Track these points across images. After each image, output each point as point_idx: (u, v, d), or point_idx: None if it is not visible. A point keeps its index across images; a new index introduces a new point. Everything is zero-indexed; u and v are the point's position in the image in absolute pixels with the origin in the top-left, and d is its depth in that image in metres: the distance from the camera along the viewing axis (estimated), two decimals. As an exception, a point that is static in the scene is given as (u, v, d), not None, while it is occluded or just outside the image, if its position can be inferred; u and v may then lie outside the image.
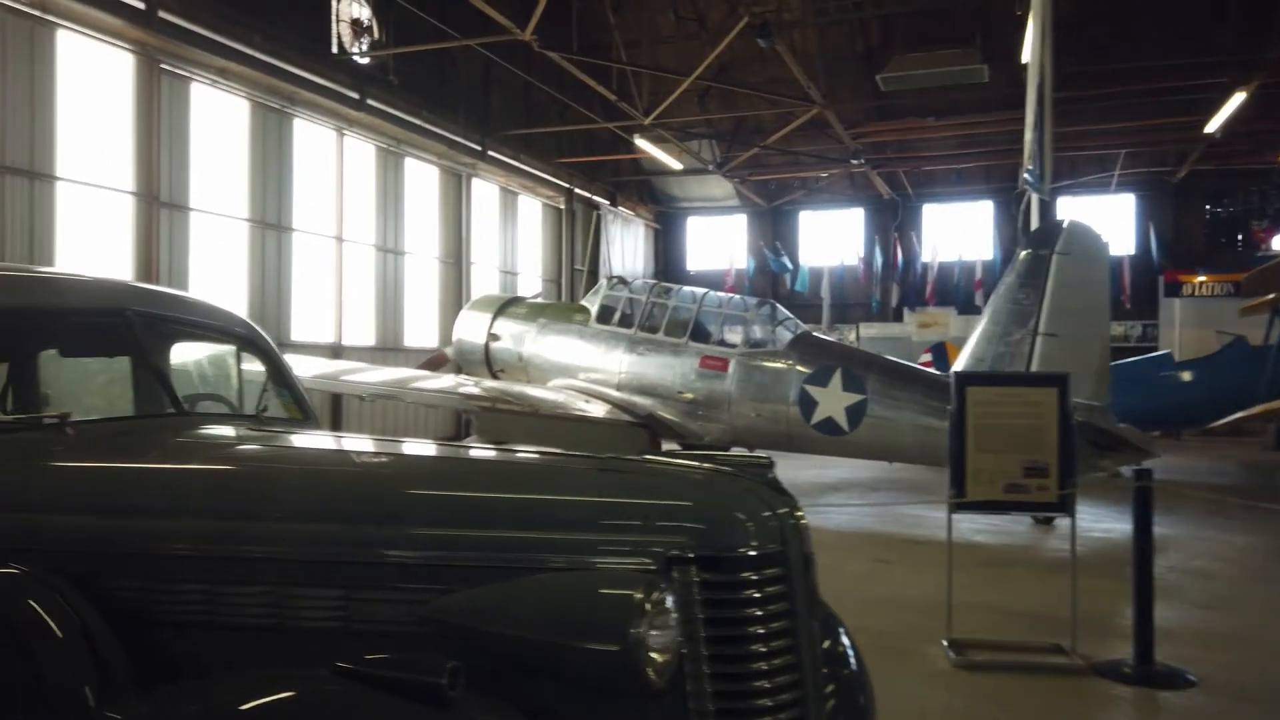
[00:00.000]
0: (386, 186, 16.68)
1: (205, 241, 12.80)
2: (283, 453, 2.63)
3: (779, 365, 11.16)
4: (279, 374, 3.36)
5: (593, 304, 12.93)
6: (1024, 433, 4.99)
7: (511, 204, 20.97)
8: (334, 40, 14.71)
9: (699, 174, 24.40)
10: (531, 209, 21.92)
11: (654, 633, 1.80)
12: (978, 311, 24.37)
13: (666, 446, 11.70)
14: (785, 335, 11.39)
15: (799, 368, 10.98)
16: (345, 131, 15.40)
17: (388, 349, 16.50)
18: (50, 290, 2.86)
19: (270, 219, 13.96)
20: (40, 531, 2.19)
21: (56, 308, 2.81)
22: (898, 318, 25.00)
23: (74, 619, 1.99)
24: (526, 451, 2.45)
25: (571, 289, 22.62)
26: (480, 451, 2.58)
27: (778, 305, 11.97)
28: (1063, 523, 8.59)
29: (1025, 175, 7.98)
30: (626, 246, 25.63)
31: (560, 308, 14.11)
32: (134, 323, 2.85)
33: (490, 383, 12.63)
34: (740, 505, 2.07)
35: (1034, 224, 16.12)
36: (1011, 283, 10.03)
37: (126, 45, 11.51)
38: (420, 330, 17.69)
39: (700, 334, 11.93)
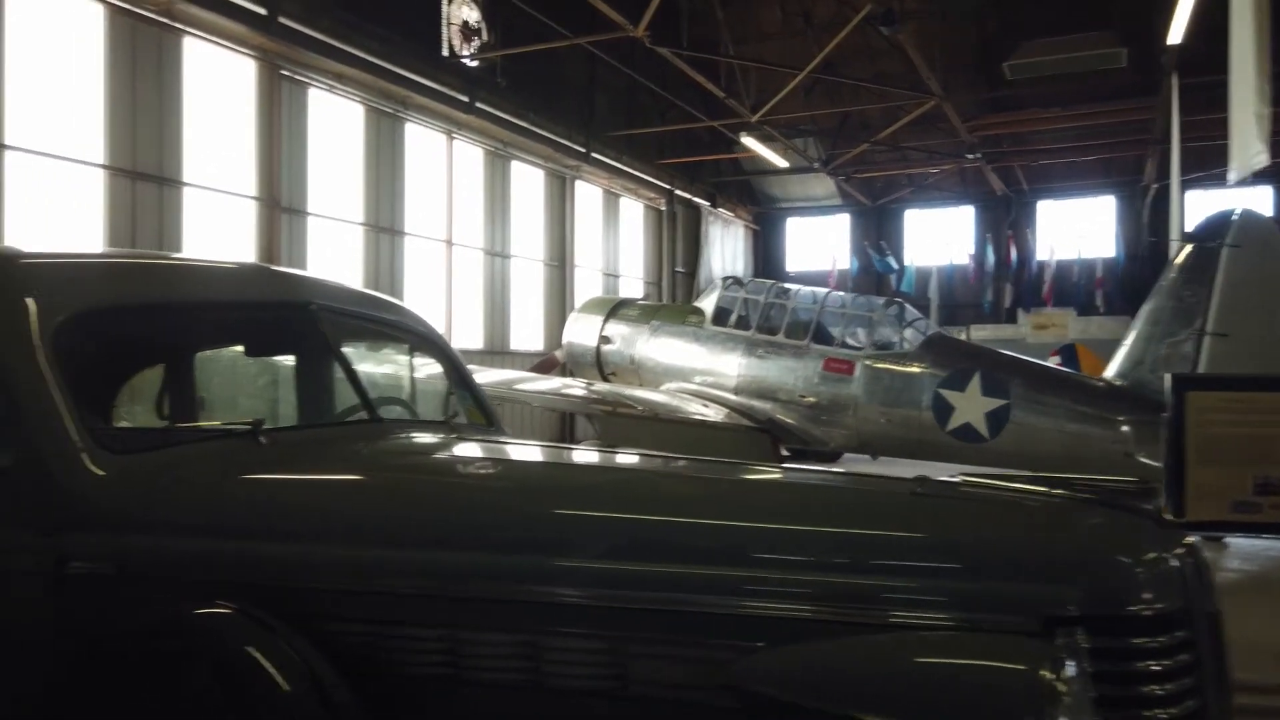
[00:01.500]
0: (494, 190, 16.64)
1: (323, 245, 12.88)
2: (522, 470, 2.28)
3: (910, 368, 10.58)
4: (461, 377, 3.06)
5: (707, 305, 12.58)
6: (1258, 443, 4.39)
7: (614, 206, 20.77)
8: (445, 43, 14.70)
9: (801, 173, 23.79)
10: (633, 211, 21.69)
11: None
12: (1099, 312, 23.24)
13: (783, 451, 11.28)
14: (916, 336, 10.81)
15: (932, 371, 10.37)
16: (455, 135, 15.39)
17: (495, 352, 16.44)
18: (233, 282, 2.60)
19: (384, 223, 14.01)
20: (248, 561, 1.89)
21: (239, 301, 2.54)
22: (1011, 319, 23.89)
23: (301, 668, 1.67)
24: (799, 470, 2.07)
25: (673, 292, 22.30)
26: (751, 471, 2.20)
27: (906, 305, 11.40)
28: (1241, 543, 7.81)
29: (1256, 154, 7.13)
30: (726, 248, 25.20)
31: (673, 309, 13.79)
32: (320, 318, 2.58)
33: (601, 385, 12.39)
34: (1128, 547, 1.60)
35: (1173, 218, 15.11)
36: (1173, 279, 9.24)
37: (249, 51, 11.63)
38: (526, 333, 17.60)
39: (823, 336, 11.44)
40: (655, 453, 2.40)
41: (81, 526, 1.89)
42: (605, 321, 13.31)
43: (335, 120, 13.20)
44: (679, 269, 22.85)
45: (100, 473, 1.93)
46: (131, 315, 2.27)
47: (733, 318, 12.17)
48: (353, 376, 2.58)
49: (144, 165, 10.45)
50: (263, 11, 11.41)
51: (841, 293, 12.32)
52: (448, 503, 1.96)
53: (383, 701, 1.72)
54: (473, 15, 15.21)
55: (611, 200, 20.65)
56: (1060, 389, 9.76)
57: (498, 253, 16.70)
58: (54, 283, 2.18)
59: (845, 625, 1.55)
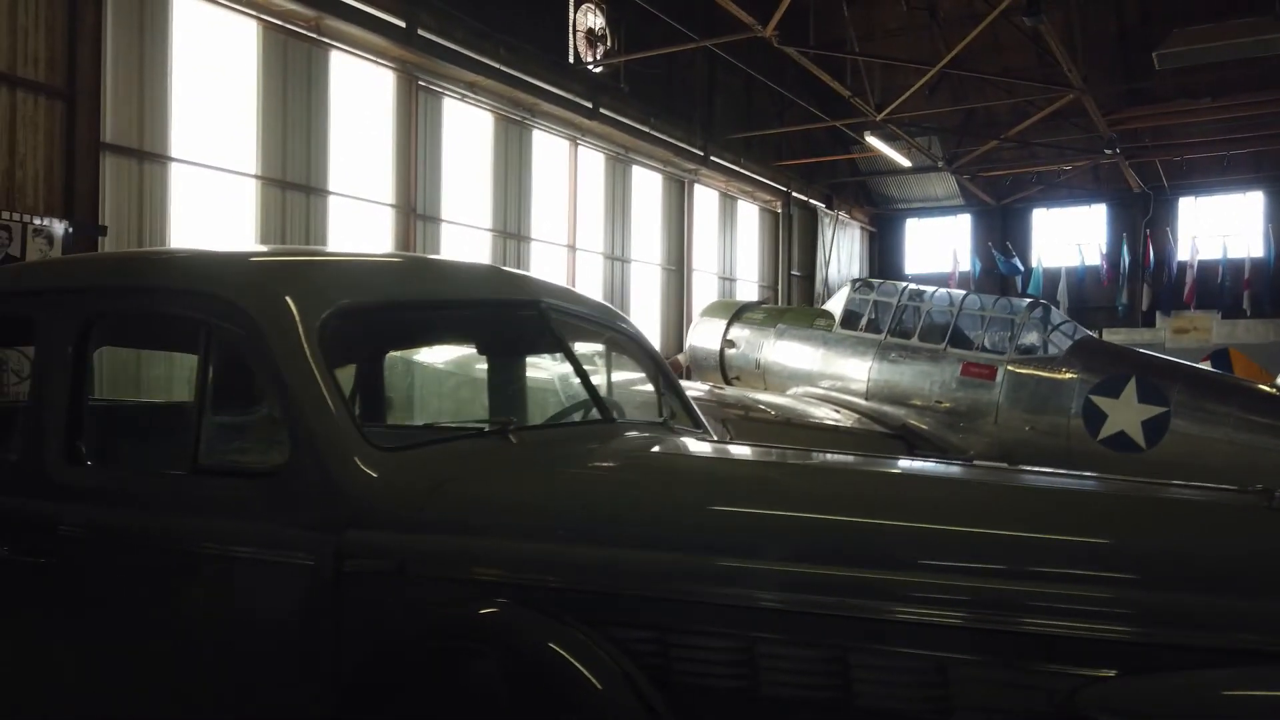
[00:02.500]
0: (614, 195, 16.76)
1: (455, 252, 13.20)
2: (795, 472, 2.21)
3: (1058, 374, 10.12)
4: (667, 378, 3.03)
5: (835, 308, 12.35)
6: None
7: (730, 209, 20.65)
8: (571, 50, 14.88)
9: (922, 172, 23.20)
10: (749, 214, 21.53)
11: None
12: (1246, 315, 21.83)
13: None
14: (1063, 340, 10.34)
15: (1083, 376, 9.90)
16: (579, 141, 15.57)
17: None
18: (472, 280, 2.62)
19: (511, 229, 14.27)
20: (530, 562, 1.82)
21: (479, 299, 2.56)
22: (1148, 322, 22.71)
23: (614, 668, 1.63)
24: (1095, 478, 1.94)
25: (788, 295, 22.02)
26: (1032, 475, 2.09)
27: (1052, 308, 10.93)
28: None
29: None
30: (842, 251, 24.75)
31: (800, 313, 13.60)
32: (549, 317, 2.59)
33: (728, 389, 12.29)
34: None
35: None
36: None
37: (388, 63, 12.01)
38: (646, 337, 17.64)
39: (960, 339, 11.08)
40: (901, 457, 2.32)
41: (360, 524, 1.90)
42: (729, 325, 13.22)
43: (467, 129, 13.51)
44: (795, 272, 22.56)
45: (374, 469, 1.95)
46: (385, 312, 2.31)
47: (863, 321, 11.91)
48: (583, 375, 2.57)
49: (293, 175, 10.91)
50: (402, 24, 11.76)
51: (982, 295, 11.88)
52: (730, 506, 1.89)
53: (678, 711, 1.66)
54: (598, 22, 15.37)
55: (728, 203, 20.54)
56: (1227, 396, 9.17)
57: (618, 257, 16.80)
58: (310, 281, 2.24)
59: (1210, 653, 1.41)
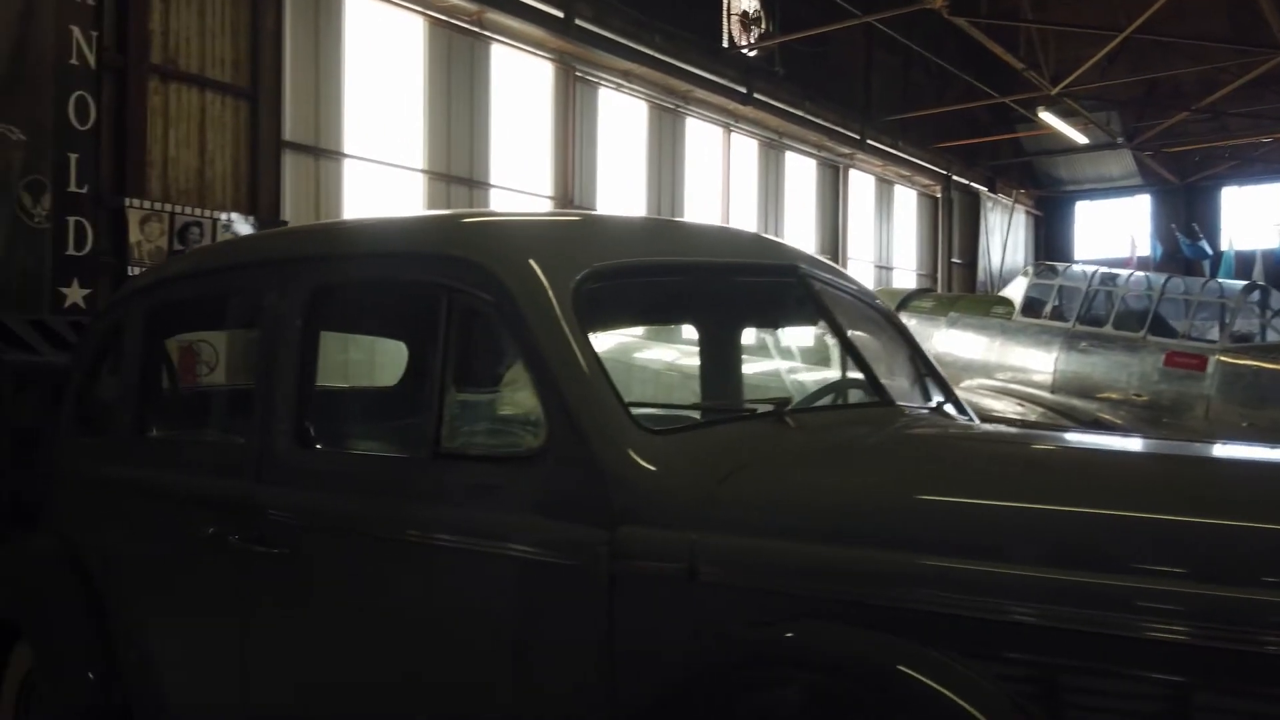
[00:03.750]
0: (767, 182, 16.31)
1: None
2: (1154, 462, 1.81)
3: (1282, 364, 9.06)
4: (921, 355, 2.64)
5: (1015, 294, 11.54)
6: None
7: (887, 194, 19.82)
8: (725, 34, 14.53)
9: (1097, 150, 21.61)
10: (906, 199, 20.61)
11: None
12: None
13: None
14: (1288, 326, 9.26)
15: (1314, 367, 8.82)
16: (732, 128, 15.21)
17: (770, 348, 16.09)
18: (731, 243, 2.30)
19: (665, 218, 14.06)
20: (854, 573, 1.46)
21: (739, 263, 2.24)
22: (1362, 310, 20.37)
23: (1000, 702, 1.30)
24: None
25: (948, 284, 20.96)
26: None
27: (1272, 290, 9.81)
28: None
29: None
30: (1006, 236, 23.40)
31: (975, 300, 12.82)
32: (810, 285, 2.26)
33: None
34: None
35: None
36: None
37: (547, 55, 11.99)
38: (799, 328, 17.12)
39: (1162, 327, 10.10)
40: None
41: (636, 518, 1.62)
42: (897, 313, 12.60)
43: (622, 119, 13.38)
44: (956, 260, 21.45)
45: (648, 455, 1.67)
46: (641, 275, 2.04)
47: (1047, 308, 11.07)
48: (854, 352, 2.23)
49: (457, 169, 11.02)
50: (560, 15, 11.71)
51: (1187, 278, 10.82)
52: (1112, 509, 1.49)
53: None
54: (752, 4, 14.94)
55: (884, 188, 19.71)
56: None
57: (772, 246, 16.34)
58: (563, 242, 1.99)
59: None
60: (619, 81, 13.04)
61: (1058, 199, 25.04)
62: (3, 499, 5.67)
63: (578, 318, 1.77)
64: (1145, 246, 23.23)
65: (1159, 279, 10.57)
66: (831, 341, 2.36)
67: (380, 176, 10.29)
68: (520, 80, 11.88)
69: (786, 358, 2.49)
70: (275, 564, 2.07)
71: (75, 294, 7.56)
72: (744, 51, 14.80)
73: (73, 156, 7.55)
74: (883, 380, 2.27)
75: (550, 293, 1.80)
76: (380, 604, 1.96)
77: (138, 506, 2.53)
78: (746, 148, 15.84)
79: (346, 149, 9.87)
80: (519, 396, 1.84)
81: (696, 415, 2.27)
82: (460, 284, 1.87)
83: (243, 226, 8.76)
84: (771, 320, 2.48)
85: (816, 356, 2.58)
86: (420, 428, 1.90)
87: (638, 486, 1.64)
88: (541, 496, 1.72)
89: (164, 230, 8.18)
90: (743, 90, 14.77)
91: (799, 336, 2.89)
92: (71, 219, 7.56)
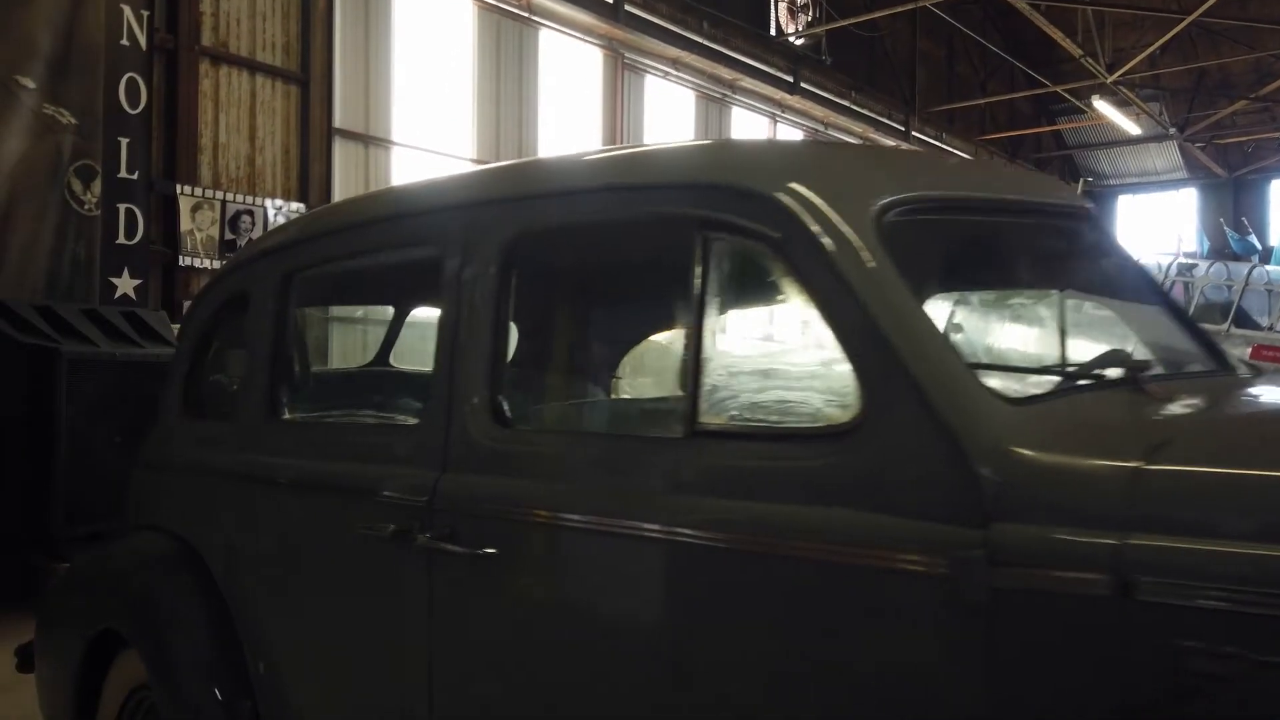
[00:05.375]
0: (812, 174, 15.91)
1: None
2: None
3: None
4: (1185, 317, 2.22)
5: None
6: None
7: (929, 188, 19.37)
8: (772, 22, 14.15)
9: (1142, 143, 21.09)
10: (948, 193, 20.14)
11: None
12: None
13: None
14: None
15: None
16: (778, 118, 14.83)
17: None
18: (1013, 178, 1.86)
19: (712, 210, 13.68)
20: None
21: (1034, 202, 1.83)
22: None
23: None
24: None
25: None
26: None
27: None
28: None
29: None
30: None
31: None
32: (1107, 233, 1.86)
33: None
34: None
35: None
36: None
37: (596, 41, 11.64)
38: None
39: (1245, 319, 9.66)
40: None
41: (1014, 514, 1.21)
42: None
43: (668, 108, 13.01)
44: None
45: (1015, 430, 1.29)
46: (952, 211, 1.64)
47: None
48: (1180, 314, 1.83)
49: (505, 158, 10.66)
50: (609, 0, 11.37)
51: (1266, 267, 10.36)
52: None
53: None
54: (799, -10, 14.55)
55: (927, 182, 19.27)
56: None
57: (817, 240, 15.94)
58: (855, 168, 1.58)
59: None
60: (666, 70, 12.67)
61: (1100, 193, 24.47)
62: (69, 496, 5.36)
63: (890, 257, 1.39)
64: (1192, 241, 22.66)
65: (1240, 269, 10.12)
66: (1104, 301, 1.97)
67: (429, 165, 9.94)
68: (568, 68, 11.53)
69: (1058, 318, 2.07)
70: (476, 567, 1.68)
71: (126, 284, 7.25)
72: (791, 39, 14.41)
73: (123, 141, 7.24)
74: (1178, 344, 1.88)
75: (856, 224, 1.41)
76: (620, 619, 1.56)
77: (274, 500, 2.15)
78: (792, 138, 15.44)
79: (395, 137, 9.53)
80: (812, 356, 1.45)
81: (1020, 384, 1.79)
82: (726, 217, 1.48)
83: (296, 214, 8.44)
84: (1062, 272, 2.07)
85: (1086, 316, 2.17)
86: (663, 400, 1.52)
87: (1014, 471, 1.24)
88: (861, 484, 1.33)
89: (215, 219, 7.87)
90: (790, 79, 14.40)
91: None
92: (122, 206, 7.25)
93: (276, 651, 2.16)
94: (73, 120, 6.95)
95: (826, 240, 1.42)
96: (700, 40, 12.66)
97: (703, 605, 1.48)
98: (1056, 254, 1.97)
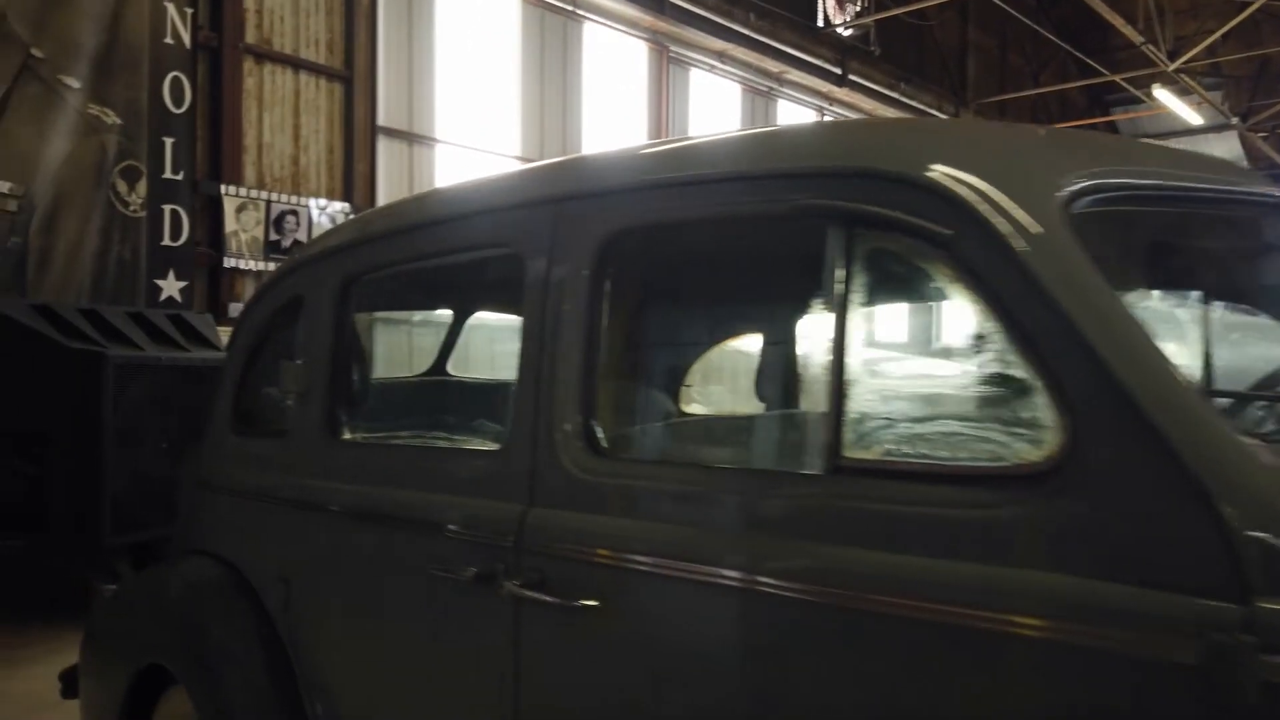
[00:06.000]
0: (860, 168, 15.54)
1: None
2: None
3: None
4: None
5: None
6: None
7: (979, 182, 18.88)
8: (820, 13, 13.80)
9: (1199, 134, 20.35)
10: (998, 187, 19.64)
11: None
12: None
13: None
14: None
15: None
16: (825, 111, 14.47)
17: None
18: (1232, 173, 1.58)
19: (759, 207, 13.38)
20: None
21: (1237, 192, 1.53)
22: None
23: None
24: None
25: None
26: None
27: None
28: None
29: None
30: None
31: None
32: None
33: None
34: None
35: None
36: None
37: (641, 34, 11.40)
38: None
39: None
40: None
41: None
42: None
43: (714, 102, 12.74)
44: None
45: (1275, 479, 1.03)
46: (1154, 202, 1.37)
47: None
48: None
49: (550, 155, 10.45)
50: (654, -8, 11.13)
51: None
52: None
53: None
54: (848, -20, 14.18)
55: (977, 176, 18.78)
56: None
57: (865, 236, 15.56)
58: (1018, 150, 1.32)
59: None
60: (711, 63, 12.40)
61: (1154, 186, 23.76)
62: (114, 503, 5.23)
63: (1090, 258, 1.13)
64: (1251, 235, 21.87)
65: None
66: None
67: (473, 163, 9.77)
68: (613, 63, 11.30)
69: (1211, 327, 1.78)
70: (573, 620, 1.45)
71: (171, 287, 7.15)
72: (839, 30, 14.05)
73: (168, 141, 7.13)
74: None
75: (1044, 217, 1.15)
76: (750, 695, 1.31)
77: (337, 530, 1.94)
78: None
79: (438, 134, 9.37)
80: (989, 378, 1.20)
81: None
82: (877, 210, 1.23)
83: (340, 218, 8.29)
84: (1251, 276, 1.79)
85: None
86: (795, 426, 1.27)
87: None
88: (1065, 541, 1.07)
89: (260, 219, 7.74)
90: (837, 71, 14.04)
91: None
92: (167, 208, 7.15)
93: (337, 695, 1.95)
94: (117, 120, 6.86)
95: (1015, 238, 1.15)
96: (747, 32, 12.37)
97: (854, 683, 1.22)
98: (1262, 254, 1.69)
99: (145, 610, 2.43)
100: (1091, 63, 16.05)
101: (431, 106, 9.32)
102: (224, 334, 6.50)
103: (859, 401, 1.26)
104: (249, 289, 7.77)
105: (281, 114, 8.00)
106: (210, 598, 2.22)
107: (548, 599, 1.47)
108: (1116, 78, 16.18)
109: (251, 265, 7.69)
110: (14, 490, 5.21)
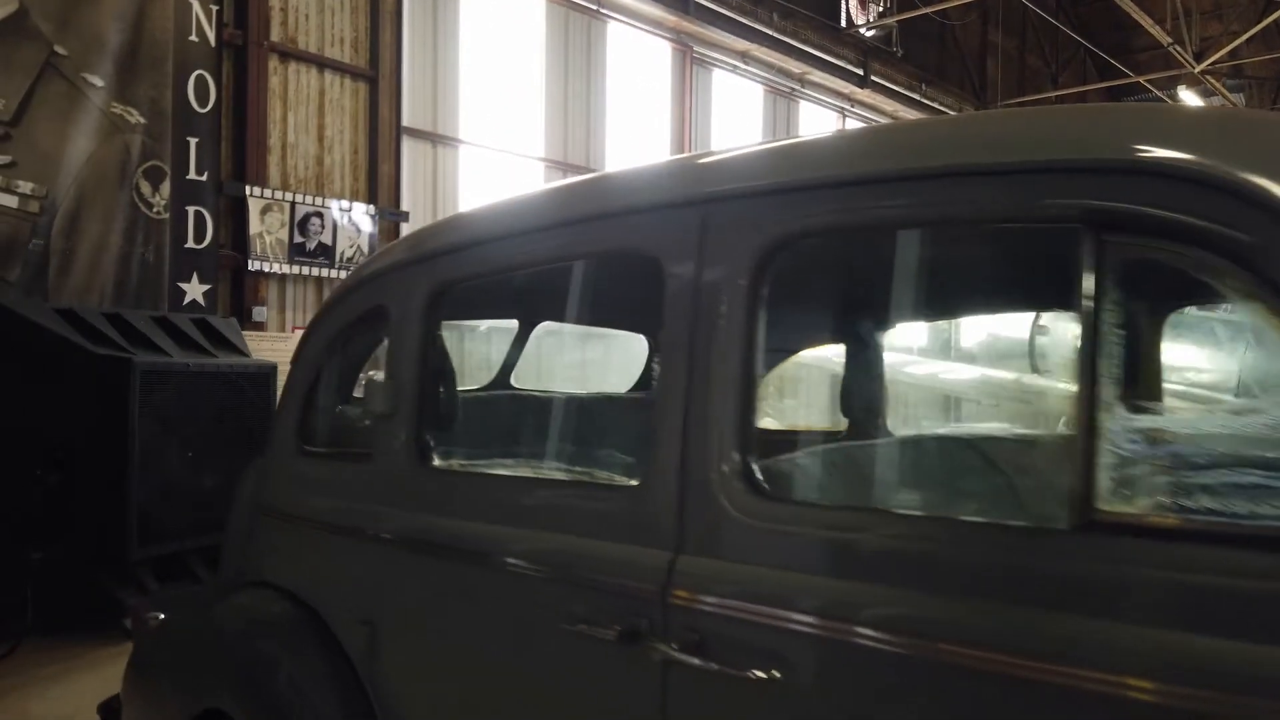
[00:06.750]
0: (881, 171, 15.35)
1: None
2: None
3: None
4: None
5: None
6: None
7: (998, 185, 18.69)
8: (843, 13, 13.62)
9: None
10: (1017, 190, 19.45)
11: None
12: None
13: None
14: None
15: None
16: (847, 113, 14.29)
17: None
18: None
19: (781, 209, 13.20)
20: None
21: None
22: None
23: None
24: None
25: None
26: None
27: None
28: None
29: None
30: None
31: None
32: None
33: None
34: None
35: None
36: None
37: (664, 34, 11.23)
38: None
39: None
40: None
41: None
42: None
43: (736, 104, 12.56)
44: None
45: None
46: None
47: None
48: None
49: (574, 156, 10.29)
50: (677, -9, 10.96)
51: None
52: None
53: None
54: (871, -20, 14.00)
55: (996, 179, 18.59)
56: None
57: (886, 240, 15.37)
58: None
59: None
60: (734, 64, 12.22)
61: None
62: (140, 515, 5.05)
63: None
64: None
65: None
66: None
67: (497, 164, 9.59)
68: (637, 63, 11.13)
69: None
70: (739, 693, 1.25)
71: (195, 290, 6.97)
72: (862, 30, 13.88)
73: (192, 141, 6.96)
74: None
75: None
76: None
77: (437, 569, 1.74)
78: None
79: (463, 135, 9.19)
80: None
81: None
82: (1146, 212, 1.03)
83: (365, 215, 8.12)
84: None
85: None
86: (1027, 471, 1.06)
87: None
88: None
89: (284, 221, 7.57)
90: (859, 72, 13.86)
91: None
92: (191, 209, 6.98)
93: None
94: (141, 119, 6.69)
95: None
96: (770, 33, 12.20)
97: None
98: None
99: (202, 647, 2.24)
100: (1116, 64, 15.86)
101: (456, 107, 9.15)
102: (249, 339, 6.32)
103: (1118, 443, 1.06)
104: (273, 293, 7.59)
105: (306, 114, 7.82)
106: (278, 637, 2.03)
107: (709, 666, 1.27)
108: (1141, 79, 15.97)
109: (276, 268, 7.51)
110: (32, 500, 5.03)
